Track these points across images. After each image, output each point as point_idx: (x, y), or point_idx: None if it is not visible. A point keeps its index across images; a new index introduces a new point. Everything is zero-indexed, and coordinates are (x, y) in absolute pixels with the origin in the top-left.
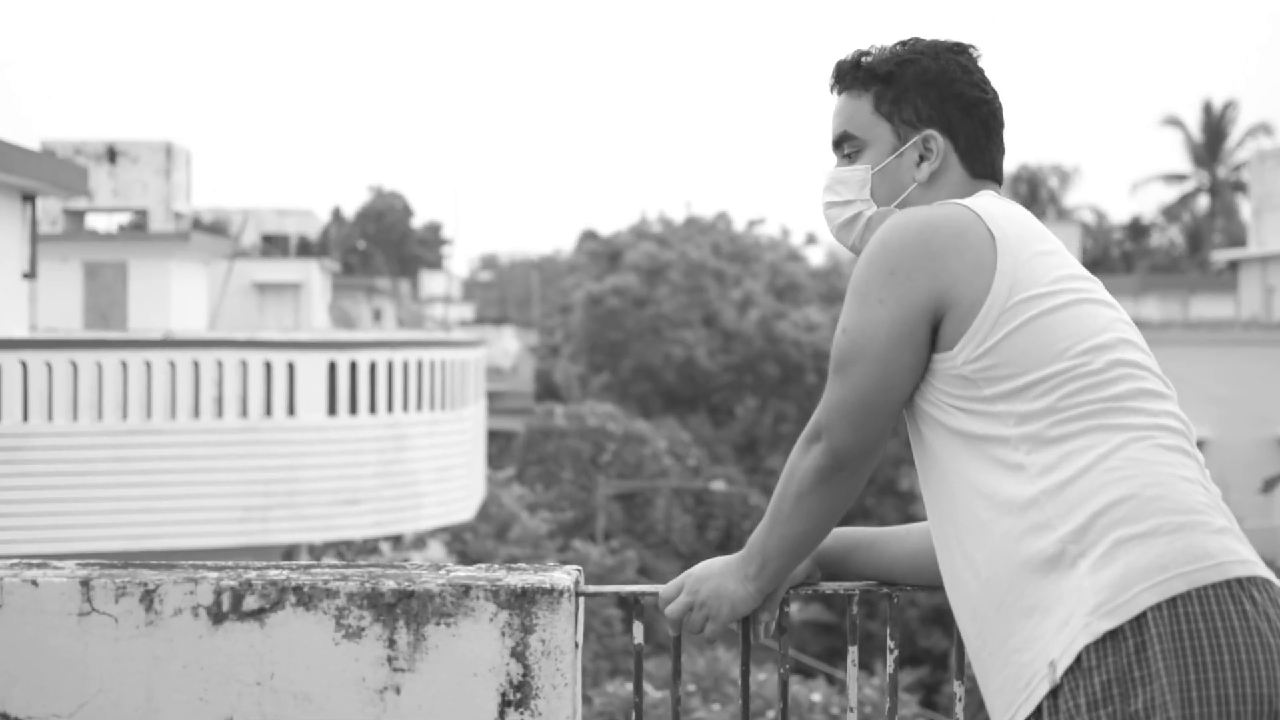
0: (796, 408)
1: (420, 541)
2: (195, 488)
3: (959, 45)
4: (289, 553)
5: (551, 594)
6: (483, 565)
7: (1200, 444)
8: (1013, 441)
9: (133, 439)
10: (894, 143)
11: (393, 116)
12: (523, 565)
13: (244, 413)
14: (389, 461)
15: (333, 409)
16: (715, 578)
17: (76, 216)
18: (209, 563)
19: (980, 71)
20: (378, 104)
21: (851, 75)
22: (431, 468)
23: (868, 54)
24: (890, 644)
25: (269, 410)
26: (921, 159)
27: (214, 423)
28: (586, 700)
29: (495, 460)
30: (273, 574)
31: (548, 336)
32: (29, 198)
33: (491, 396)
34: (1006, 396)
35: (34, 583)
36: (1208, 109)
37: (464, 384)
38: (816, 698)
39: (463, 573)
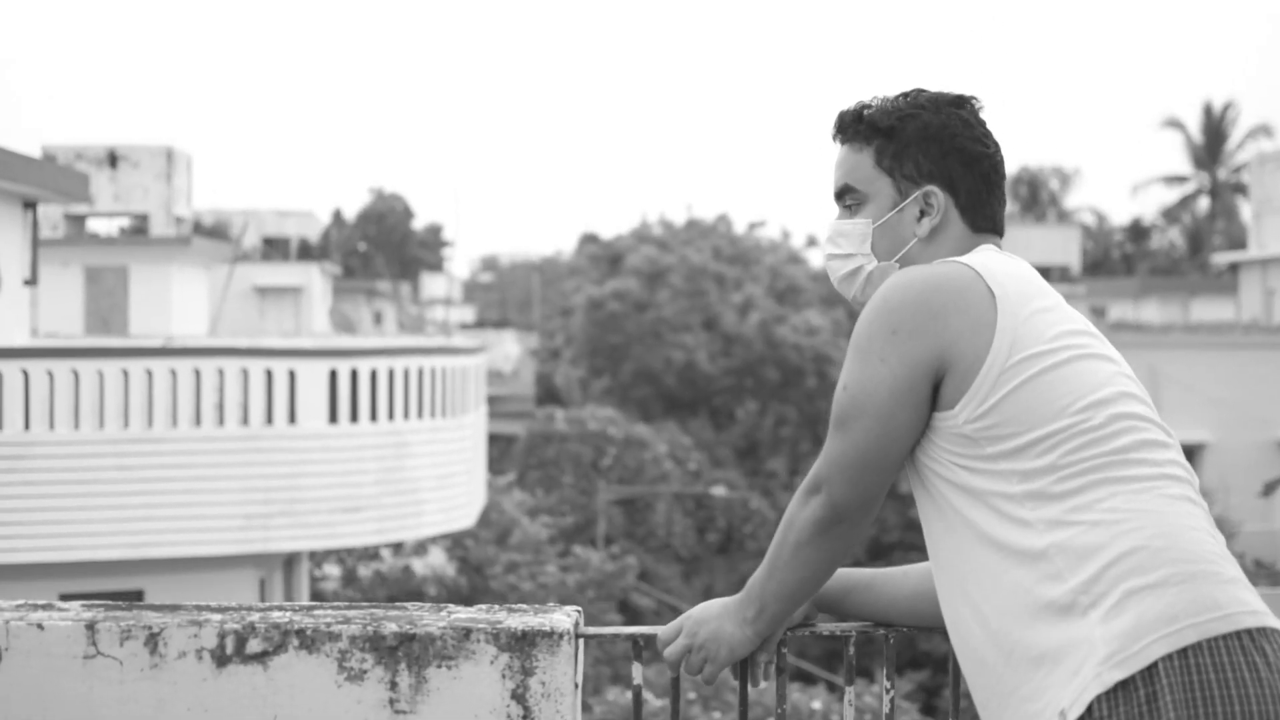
0: (797, 411)
1: (421, 548)
2: (197, 495)
3: (960, 98)
4: (290, 560)
5: (551, 637)
6: (483, 606)
7: (1200, 447)
8: (1017, 498)
9: (134, 447)
10: (895, 197)
11: (393, 118)
12: (523, 606)
13: (245, 421)
14: (390, 469)
15: (334, 417)
16: (714, 620)
17: (77, 221)
18: (212, 604)
19: (982, 125)
20: (378, 106)
21: (853, 128)
22: (432, 475)
23: (869, 106)
24: (887, 684)
25: (270, 418)
26: (922, 214)
27: (215, 431)
28: (587, 708)
29: (496, 464)
30: (275, 616)
31: (548, 340)
32: (30, 205)
33: (492, 400)
34: (1009, 455)
35: (40, 626)
36: (1208, 111)
37: (465, 391)
38: (817, 705)
39: (463, 614)
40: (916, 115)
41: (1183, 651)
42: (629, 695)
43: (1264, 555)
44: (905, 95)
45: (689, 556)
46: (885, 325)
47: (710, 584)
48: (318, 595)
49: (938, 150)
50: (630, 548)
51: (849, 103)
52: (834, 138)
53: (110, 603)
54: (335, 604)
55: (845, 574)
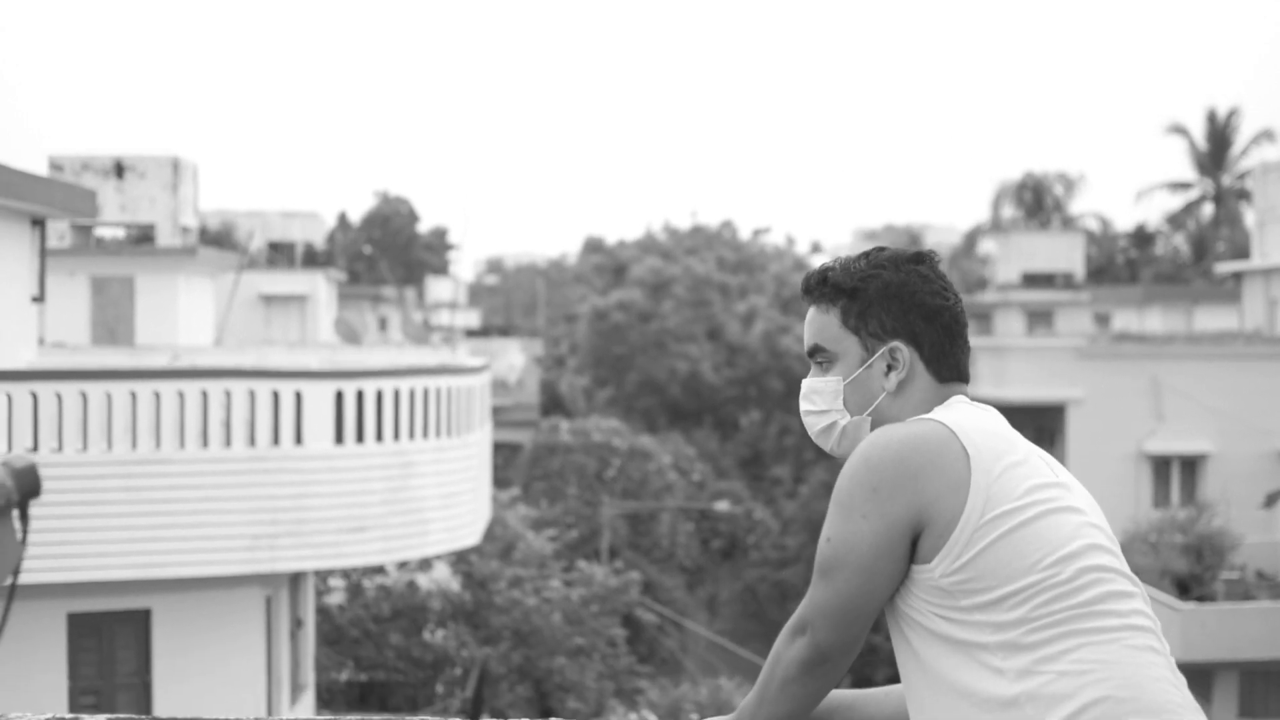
0: (800, 421)
1: (426, 563)
2: (204, 516)
3: (919, 255)
4: (295, 577)
5: None
6: None
7: (1202, 457)
8: (990, 648)
9: (142, 468)
10: (862, 355)
11: (399, 122)
12: None
13: (252, 441)
14: (396, 489)
15: (340, 437)
16: None
17: (84, 231)
18: (227, 717)
19: (941, 278)
20: (384, 109)
21: (819, 290)
22: (438, 494)
23: (832, 268)
24: None
25: (276, 439)
26: (890, 369)
27: (222, 451)
28: None
29: (500, 472)
30: None
31: (553, 347)
32: (38, 222)
33: (497, 410)
34: (982, 608)
35: None
36: (1212, 117)
37: (470, 410)
38: None
39: None
40: (878, 275)
41: None
42: (633, 718)
43: (1266, 567)
44: (866, 255)
45: (693, 567)
46: (866, 483)
47: (714, 594)
48: (323, 611)
49: (900, 307)
50: (634, 559)
51: (814, 266)
52: (801, 299)
53: (127, 717)
54: (342, 719)
55: (831, 694)
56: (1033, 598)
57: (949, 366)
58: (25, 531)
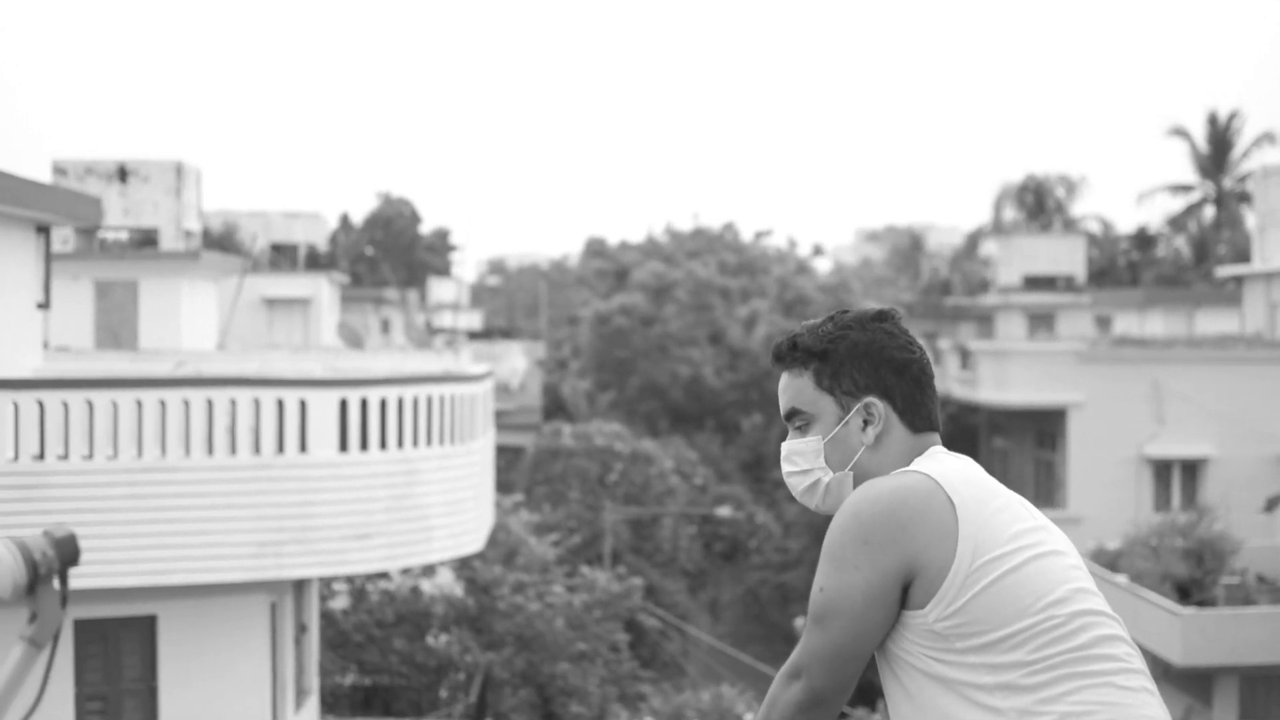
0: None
1: (429, 568)
2: (210, 524)
3: (881, 313)
4: (300, 583)
5: None
6: None
7: (1203, 461)
8: (988, 688)
9: (147, 476)
10: (839, 413)
11: (401, 123)
12: None
13: (257, 449)
14: (400, 496)
15: (344, 445)
16: None
17: (88, 235)
18: None
19: (905, 333)
20: (386, 111)
21: (790, 356)
22: (442, 501)
23: (800, 334)
24: None
25: (281, 447)
26: (866, 423)
27: (227, 459)
28: None
29: (502, 475)
30: None
31: (555, 350)
32: (43, 229)
33: (499, 414)
34: (978, 650)
35: None
36: (1213, 120)
37: (473, 417)
38: None
39: None
40: (845, 335)
41: None
42: None
43: (1266, 571)
44: (831, 318)
45: (695, 571)
46: (857, 536)
47: (716, 597)
48: (327, 616)
49: (870, 364)
50: (636, 564)
51: (782, 335)
52: (772, 366)
53: None
54: None
55: None
56: (1029, 641)
57: (922, 417)
58: (65, 597)
